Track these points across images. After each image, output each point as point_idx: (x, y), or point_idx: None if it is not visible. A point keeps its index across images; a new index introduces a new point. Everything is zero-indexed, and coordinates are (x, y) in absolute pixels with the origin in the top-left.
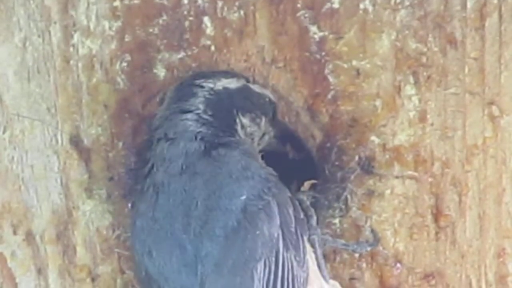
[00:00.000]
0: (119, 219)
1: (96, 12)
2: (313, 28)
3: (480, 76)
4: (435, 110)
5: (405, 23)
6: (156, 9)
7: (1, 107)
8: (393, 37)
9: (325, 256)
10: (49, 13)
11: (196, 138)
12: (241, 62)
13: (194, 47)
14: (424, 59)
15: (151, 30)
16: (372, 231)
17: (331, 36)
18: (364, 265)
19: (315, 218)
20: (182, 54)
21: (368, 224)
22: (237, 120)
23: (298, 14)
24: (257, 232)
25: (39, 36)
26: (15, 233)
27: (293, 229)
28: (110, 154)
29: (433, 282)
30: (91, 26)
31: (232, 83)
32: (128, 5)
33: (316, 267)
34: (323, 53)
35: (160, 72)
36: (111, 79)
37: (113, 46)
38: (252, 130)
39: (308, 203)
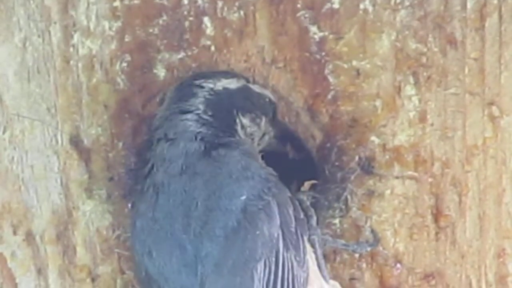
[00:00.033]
0: (119, 219)
1: (96, 12)
2: (313, 28)
3: (480, 76)
4: (435, 110)
5: (405, 24)
6: (156, 9)
7: (1, 107)
8: (393, 37)
9: (325, 256)
10: (49, 13)
11: (196, 138)
12: (241, 62)
13: (194, 47)
14: (424, 60)
15: (151, 30)
16: (372, 231)
17: (331, 36)
18: (364, 265)
19: (315, 218)
20: (182, 54)
21: (368, 224)
22: (237, 120)
23: (298, 14)
24: (257, 232)
25: (39, 36)
26: (15, 233)
27: (293, 229)
28: (110, 154)
29: (433, 282)
30: (91, 26)
31: (232, 83)
32: (128, 5)
33: (316, 267)
34: (323, 53)
35: (160, 72)
36: (111, 79)
37: (113, 46)
38: (252, 130)
39: (308, 203)
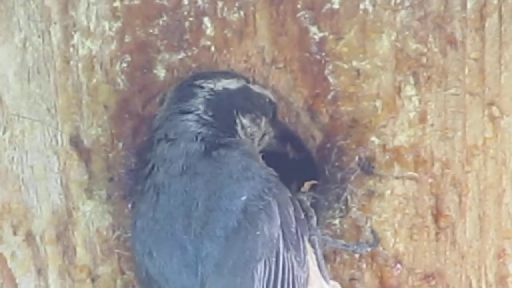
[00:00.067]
0: (119, 219)
1: (96, 12)
2: (313, 29)
3: (480, 76)
4: (435, 110)
5: (405, 24)
6: (156, 9)
7: (1, 107)
8: (393, 38)
9: (325, 257)
10: (49, 14)
11: (196, 138)
12: (241, 62)
13: (194, 48)
14: (424, 60)
15: (151, 30)
16: (372, 231)
17: (331, 36)
18: (364, 265)
19: (315, 218)
20: (182, 54)
21: (368, 224)
22: (237, 121)
23: (298, 15)
24: (258, 233)
25: (39, 37)
26: (15, 233)
27: (293, 230)
28: (110, 155)
29: (433, 282)
30: (91, 27)
31: (232, 84)
32: (128, 6)
33: (316, 268)
34: (323, 54)
35: (160, 72)
36: (111, 79)
37: (113, 46)
38: (252, 130)
39: (308, 203)
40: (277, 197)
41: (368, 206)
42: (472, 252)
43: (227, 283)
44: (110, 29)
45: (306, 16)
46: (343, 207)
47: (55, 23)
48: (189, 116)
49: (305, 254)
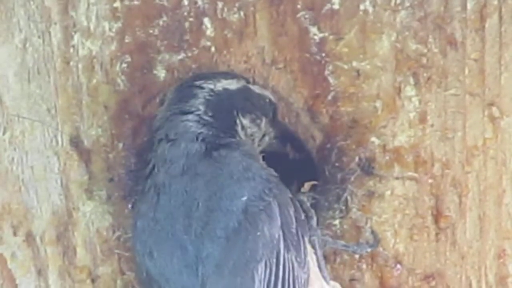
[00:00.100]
0: (119, 220)
1: (96, 13)
2: (313, 29)
3: (480, 77)
4: (435, 111)
5: (405, 24)
6: (156, 10)
7: (1, 108)
8: (393, 38)
9: (325, 257)
10: (49, 14)
11: (197, 139)
12: (241, 63)
13: (194, 48)
14: (424, 60)
15: (151, 31)
16: (372, 232)
17: (331, 37)
18: (364, 266)
19: (315, 219)
20: (182, 55)
21: (368, 225)
22: (238, 121)
23: (298, 15)
24: (258, 233)
25: (39, 37)
26: (15, 234)
27: (294, 230)
28: (110, 155)
29: (433, 283)
30: (91, 27)
31: (232, 84)
32: (128, 6)
33: (317, 268)
34: (323, 54)
35: (160, 73)
36: (111, 80)
37: (113, 47)
38: (252, 131)
39: (308, 204)
40: (278, 198)
41: (368, 207)
42: (472, 252)
43: (227, 284)
44: (110, 29)
45: (306, 16)
46: (343, 207)
47: (55, 23)
48: (190, 117)
49: (305, 255)
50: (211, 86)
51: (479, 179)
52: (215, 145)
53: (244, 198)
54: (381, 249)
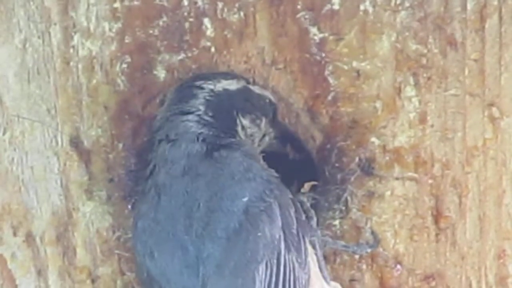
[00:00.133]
0: (119, 220)
1: (96, 13)
2: (313, 30)
3: (480, 77)
4: (435, 111)
5: (405, 25)
6: (156, 10)
7: (1, 108)
8: (393, 39)
9: (325, 258)
10: (49, 14)
11: (197, 139)
12: (241, 63)
13: (194, 49)
14: (424, 61)
15: (151, 31)
16: (372, 232)
17: (331, 37)
18: (364, 266)
19: (315, 219)
20: (182, 55)
21: (368, 225)
22: (238, 121)
23: (298, 16)
24: (259, 234)
25: (39, 38)
26: (15, 234)
27: (294, 231)
28: (110, 156)
29: (433, 283)
30: (91, 28)
31: (232, 85)
32: (128, 7)
33: (317, 269)
34: (323, 55)
35: (160, 73)
36: (111, 80)
37: (113, 47)
38: (252, 131)
39: (308, 204)
40: (278, 199)
41: (368, 207)
42: (472, 253)
43: (228, 284)
44: (110, 30)
45: (306, 17)
46: (343, 208)
47: (55, 24)
48: (190, 117)
49: (306, 256)
50: (211, 87)
51: (479, 179)
52: (216, 146)
53: (245, 199)
54: (381, 249)
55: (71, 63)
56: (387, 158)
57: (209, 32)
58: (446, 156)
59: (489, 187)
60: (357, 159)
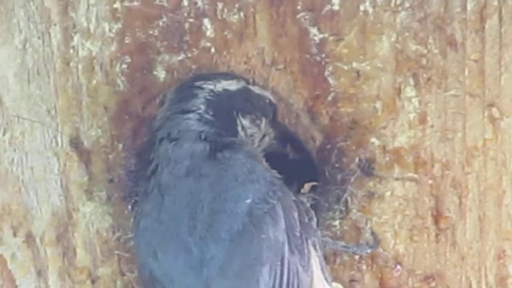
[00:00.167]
0: (119, 221)
1: (96, 14)
2: (313, 30)
3: (480, 78)
4: (435, 112)
5: (405, 25)
6: (156, 11)
7: (1, 109)
8: (393, 39)
9: (325, 258)
10: (49, 15)
11: (200, 137)
12: (241, 64)
13: (194, 49)
14: (424, 61)
15: (151, 32)
16: (372, 233)
17: (331, 38)
18: (364, 267)
19: (315, 220)
20: (182, 56)
21: (368, 226)
22: (238, 122)
23: (298, 16)
24: (263, 236)
25: (39, 38)
26: (15, 235)
27: (298, 234)
28: (110, 156)
29: (433, 284)
30: (91, 28)
31: (232, 85)
32: (128, 7)
33: (320, 271)
34: (323, 55)
35: (160, 74)
36: (111, 81)
37: (113, 48)
38: (252, 131)
39: (308, 205)
40: (282, 201)
41: (368, 208)
42: (472, 253)
43: (232, 287)
44: (110, 30)
45: (306, 17)
46: (343, 208)
47: (55, 24)
48: (191, 115)
49: (309, 258)
50: (211, 87)
51: (479, 180)
52: (219, 146)
53: (249, 201)
54: (381, 250)
55: (71, 64)
56: (387, 158)
57: (209, 33)
58: (446, 156)
59: (489, 187)
60: (357, 159)
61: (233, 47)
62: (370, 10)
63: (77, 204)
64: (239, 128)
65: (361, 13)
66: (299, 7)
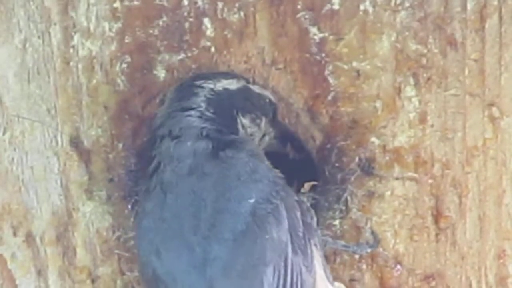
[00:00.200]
0: (119, 220)
1: (96, 13)
2: (313, 30)
3: (480, 77)
4: (435, 111)
5: (405, 25)
6: (156, 10)
7: (1, 108)
8: (393, 39)
9: (325, 258)
10: (49, 15)
11: (202, 134)
12: (241, 63)
13: (194, 49)
14: (424, 61)
15: (151, 31)
16: (372, 232)
17: (331, 37)
18: (364, 266)
19: (315, 219)
20: (182, 55)
21: (368, 225)
22: (238, 121)
23: (298, 16)
24: (266, 236)
25: (39, 38)
26: (15, 234)
27: (301, 234)
28: (110, 156)
29: (433, 283)
30: (91, 28)
31: (232, 84)
32: (128, 7)
33: (322, 271)
34: (323, 54)
35: (160, 73)
36: (111, 80)
37: (113, 47)
38: (252, 130)
39: (308, 204)
40: (285, 201)
41: (368, 207)
42: (472, 253)
43: (235, 286)
44: (110, 30)
45: (306, 17)
46: (343, 208)
47: (55, 24)
48: (192, 112)
49: (312, 259)
50: (211, 86)
51: (479, 179)
52: (221, 144)
53: (252, 200)
54: (381, 249)
55: (71, 63)
56: (387, 158)
57: (209, 32)
58: (446, 156)
59: (489, 187)
60: (357, 159)
61: (233, 46)
62: (370, 9)
63: (77, 204)
64: (239, 127)
65: (361, 13)
66: (299, 7)
